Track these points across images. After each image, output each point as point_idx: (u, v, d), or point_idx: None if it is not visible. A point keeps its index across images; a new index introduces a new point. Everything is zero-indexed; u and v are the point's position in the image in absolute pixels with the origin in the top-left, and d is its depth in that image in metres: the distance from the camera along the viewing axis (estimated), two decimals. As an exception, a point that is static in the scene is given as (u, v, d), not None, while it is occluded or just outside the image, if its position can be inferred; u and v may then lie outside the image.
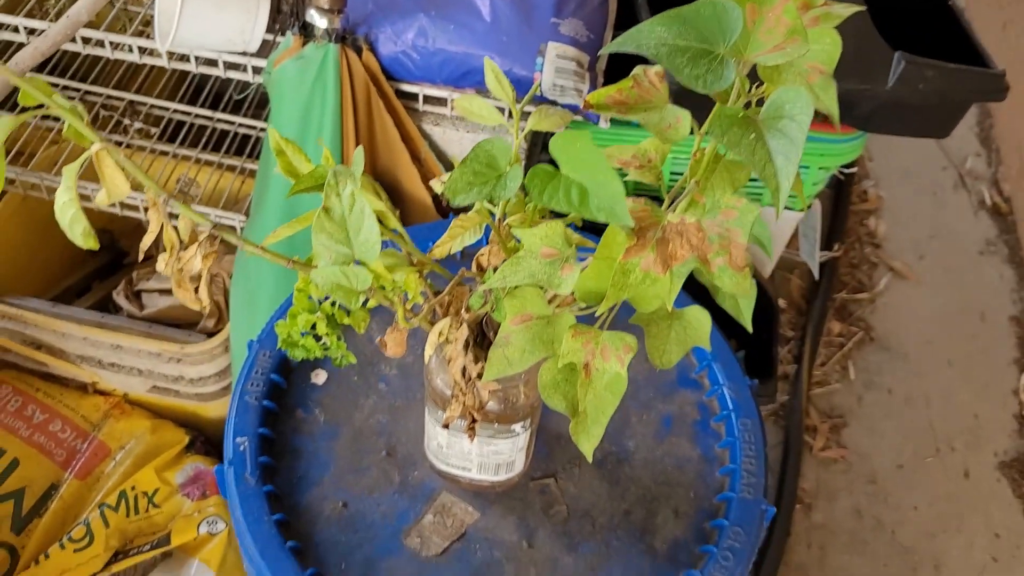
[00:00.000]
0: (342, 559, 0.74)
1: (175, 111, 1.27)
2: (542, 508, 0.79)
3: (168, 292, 1.18)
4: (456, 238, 0.58)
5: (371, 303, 0.63)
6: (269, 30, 0.98)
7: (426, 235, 0.93)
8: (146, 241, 0.58)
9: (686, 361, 0.90)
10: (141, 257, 0.59)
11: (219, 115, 1.25)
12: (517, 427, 0.69)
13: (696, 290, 0.67)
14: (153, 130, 1.27)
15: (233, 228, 1.15)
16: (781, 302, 1.76)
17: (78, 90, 1.26)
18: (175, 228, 0.57)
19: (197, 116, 1.26)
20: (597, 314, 0.55)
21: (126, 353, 1.11)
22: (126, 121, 1.26)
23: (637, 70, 0.56)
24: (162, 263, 0.56)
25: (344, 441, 0.81)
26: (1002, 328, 1.79)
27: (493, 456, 0.72)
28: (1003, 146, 2.11)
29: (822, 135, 0.97)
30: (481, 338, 0.63)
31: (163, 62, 1.02)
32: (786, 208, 1.10)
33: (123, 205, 1.15)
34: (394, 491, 0.79)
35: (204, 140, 1.23)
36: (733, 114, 0.45)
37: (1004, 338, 1.78)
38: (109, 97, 1.28)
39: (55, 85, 1.26)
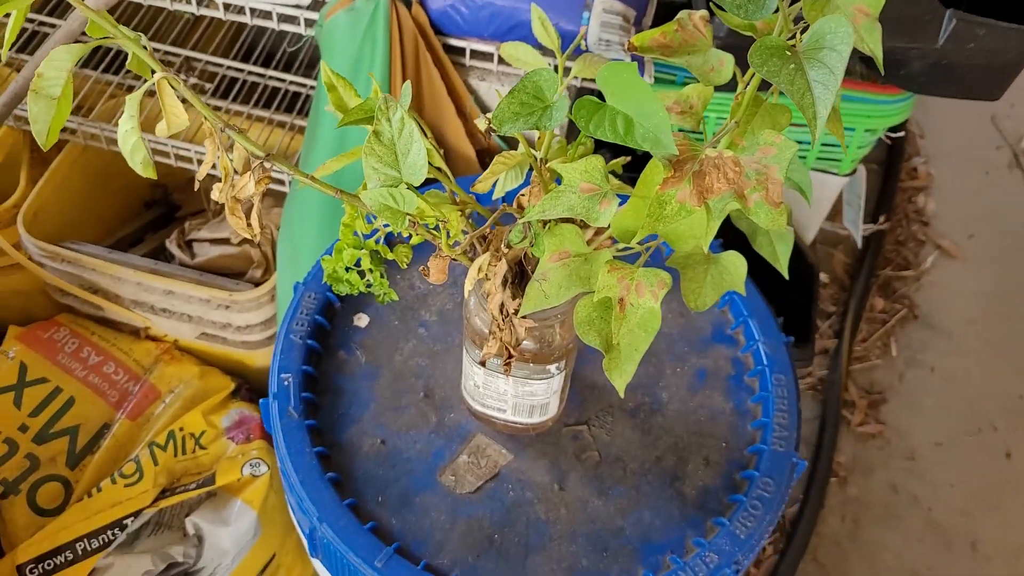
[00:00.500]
0: (379, 492, 0.77)
1: (229, 68, 1.30)
2: (574, 453, 0.81)
3: (219, 242, 1.22)
4: (498, 174, 0.60)
5: (415, 239, 0.65)
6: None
7: (469, 187, 0.95)
8: (202, 170, 0.60)
9: (722, 317, 0.91)
10: (197, 186, 0.62)
11: (271, 72, 1.28)
12: (552, 368, 0.71)
13: (735, 244, 0.68)
14: (207, 86, 1.30)
15: (281, 181, 1.18)
16: (824, 276, 1.75)
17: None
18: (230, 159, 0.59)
19: (250, 73, 1.29)
20: (631, 245, 0.56)
21: (177, 299, 1.15)
22: (182, 76, 1.29)
23: (682, 14, 0.57)
24: (216, 191, 0.59)
25: (384, 382, 0.84)
26: (1050, 310, 1.77)
27: (528, 397, 0.74)
28: (1060, 127, 2.06)
29: (869, 95, 0.97)
30: (520, 275, 0.65)
31: (219, 13, 1.04)
32: (830, 172, 1.10)
33: (178, 157, 1.18)
34: (431, 431, 0.81)
35: (256, 97, 1.26)
36: (774, 44, 0.45)
37: (1052, 320, 1.75)
38: (167, 53, 1.31)
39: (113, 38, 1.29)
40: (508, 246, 0.60)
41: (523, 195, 0.65)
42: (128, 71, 1.29)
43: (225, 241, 1.21)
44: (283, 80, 1.28)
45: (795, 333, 1.32)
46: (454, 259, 0.62)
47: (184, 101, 0.59)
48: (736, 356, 0.88)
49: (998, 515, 1.48)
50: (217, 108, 1.26)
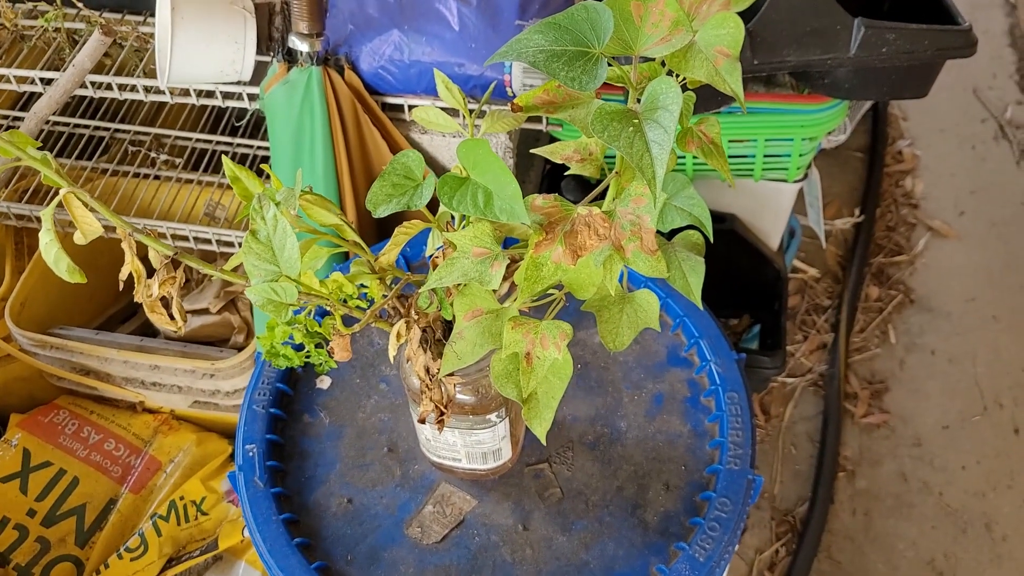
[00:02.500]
0: (348, 551, 0.79)
1: (197, 140, 1.34)
2: (537, 492, 0.83)
3: (199, 312, 1.26)
4: (401, 245, 0.62)
5: (340, 312, 0.68)
6: (264, 56, 1.03)
7: (421, 239, 0.97)
8: (123, 272, 0.63)
9: (675, 340, 0.92)
10: (122, 287, 0.65)
11: (238, 140, 1.32)
12: (492, 416, 0.73)
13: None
14: (178, 160, 1.34)
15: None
16: (815, 271, 1.75)
17: (108, 129, 1.35)
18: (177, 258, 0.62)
19: (218, 143, 1.33)
20: (518, 307, 0.58)
21: (164, 372, 1.18)
22: (153, 154, 1.34)
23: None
24: (136, 293, 0.62)
25: (348, 440, 0.86)
26: (1050, 279, 1.75)
27: (477, 446, 0.76)
28: (1045, 91, 2.05)
29: (800, 106, 0.98)
30: (444, 335, 0.67)
31: (167, 98, 1.08)
32: (780, 181, 1.11)
33: (172, 237, 1.21)
34: (396, 484, 0.83)
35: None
36: (613, 109, 0.47)
37: (1052, 289, 1.73)
38: (137, 133, 1.36)
39: (86, 126, 1.35)
40: (418, 310, 0.62)
41: (437, 257, 0.67)
42: (102, 155, 1.34)
43: (205, 311, 1.25)
44: (251, 146, 1.32)
45: (770, 340, 1.33)
46: (380, 328, 0.65)
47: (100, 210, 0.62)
48: (691, 377, 0.89)
49: (1011, 493, 1.47)
50: (190, 180, 1.30)
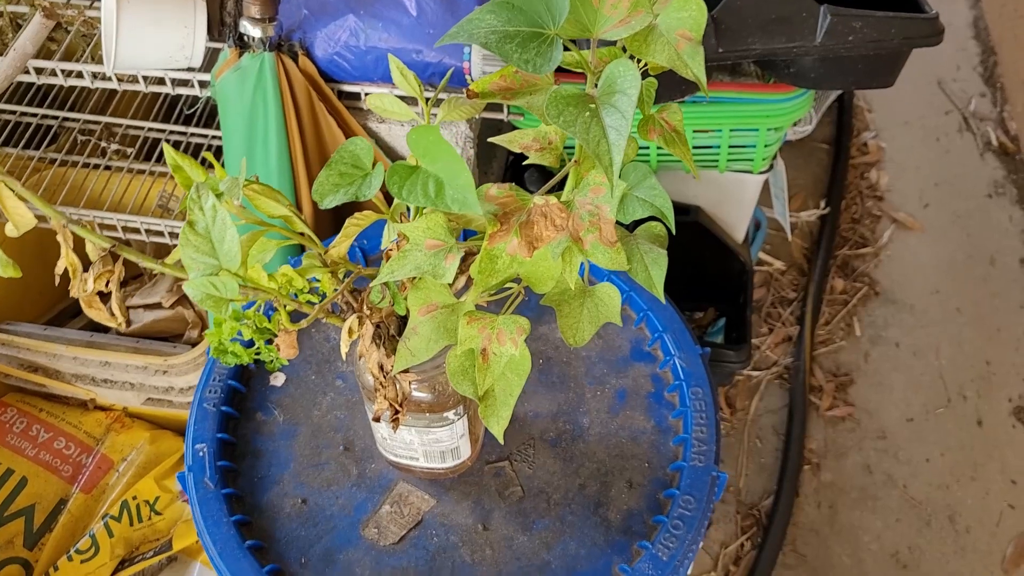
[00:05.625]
0: (302, 554, 0.76)
1: (149, 129, 1.30)
2: (497, 490, 0.80)
3: (152, 307, 1.22)
4: (352, 237, 0.60)
5: (290, 307, 0.65)
6: (215, 42, 1.00)
7: (377, 231, 0.95)
8: (59, 266, 0.60)
9: (639, 334, 0.91)
10: (58, 281, 0.62)
11: (192, 130, 1.28)
12: (450, 414, 0.70)
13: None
14: (129, 150, 1.30)
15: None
16: (780, 263, 1.74)
17: (56, 117, 1.30)
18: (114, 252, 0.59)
19: (171, 133, 1.29)
20: (474, 301, 0.56)
21: (115, 369, 1.15)
22: (103, 143, 1.30)
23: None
24: (73, 287, 0.59)
25: (303, 439, 0.83)
26: (1013, 271, 1.76)
27: (434, 444, 0.74)
28: (1008, 83, 2.06)
29: (765, 96, 0.96)
30: (399, 330, 0.65)
31: (114, 84, 1.04)
32: (745, 172, 1.10)
33: (125, 228, 1.18)
34: (352, 484, 0.81)
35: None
36: (569, 93, 0.45)
37: (1015, 281, 1.74)
38: (87, 122, 1.31)
39: (33, 114, 1.30)
40: (370, 306, 0.60)
41: (391, 250, 0.64)
42: (50, 145, 1.30)
43: (158, 306, 1.21)
44: (205, 135, 1.29)
45: (735, 334, 1.32)
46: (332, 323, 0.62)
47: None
48: (655, 372, 0.88)
49: (975, 485, 1.47)
50: (142, 171, 1.26)
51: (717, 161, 1.06)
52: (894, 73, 0.89)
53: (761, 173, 1.09)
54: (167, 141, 1.27)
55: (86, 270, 0.57)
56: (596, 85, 0.48)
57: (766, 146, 1.02)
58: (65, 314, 1.33)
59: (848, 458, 1.51)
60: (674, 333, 0.87)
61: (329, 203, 0.50)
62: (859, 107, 2.05)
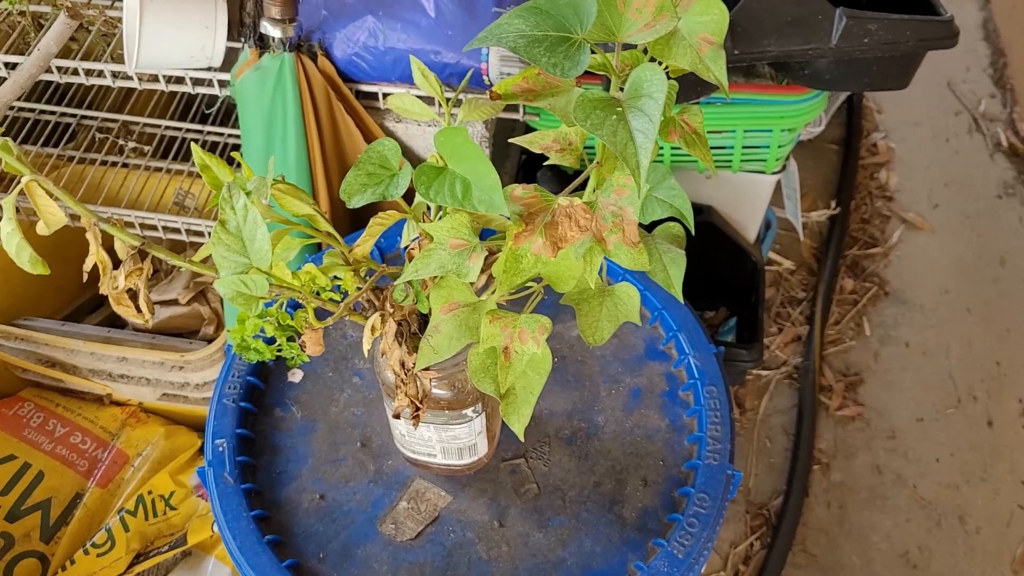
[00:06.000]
0: (320, 549, 0.77)
1: (166, 128, 1.31)
2: (513, 487, 0.81)
3: (168, 303, 1.23)
4: (376, 236, 0.60)
5: (312, 305, 0.66)
6: (235, 42, 1.00)
7: (395, 230, 0.96)
8: (88, 263, 0.61)
9: (654, 333, 0.91)
10: (86, 278, 0.63)
11: (208, 128, 1.29)
12: (469, 411, 0.71)
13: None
14: (147, 148, 1.31)
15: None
16: (790, 263, 1.75)
17: (75, 115, 1.31)
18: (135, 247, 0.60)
19: (188, 131, 1.30)
20: (496, 300, 0.57)
21: (132, 364, 1.16)
22: (121, 141, 1.31)
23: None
24: (101, 285, 0.60)
25: (321, 435, 0.84)
26: (1022, 272, 1.76)
27: (453, 442, 0.74)
28: (1018, 84, 2.06)
29: (780, 97, 0.97)
30: (420, 328, 0.66)
31: (135, 84, 1.05)
32: (758, 172, 1.10)
33: (142, 226, 1.18)
34: (369, 480, 0.82)
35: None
36: (596, 97, 0.46)
37: (1025, 282, 1.74)
38: (104, 120, 1.32)
39: (52, 112, 1.31)
40: (393, 303, 0.61)
41: (413, 248, 0.65)
42: (69, 143, 1.31)
43: (174, 302, 1.22)
44: (221, 134, 1.29)
45: (747, 333, 1.33)
46: (356, 321, 0.63)
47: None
48: (670, 371, 0.88)
49: (984, 485, 1.48)
50: (159, 169, 1.27)
51: (731, 161, 1.07)
52: (908, 75, 0.90)
53: (774, 173, 1.10)
54: (184, 139, 1.28)
55: (117, 267, 0.58)
56: (621, 88, 0.49)
57: (780, 147, 1.03)
58: (83, 310, 1.34)
59: (858, 458, 1.52)
60: (688, 332, 0.88)
61: (357, 202, 0.51)
62: (869, 108, 2.05)
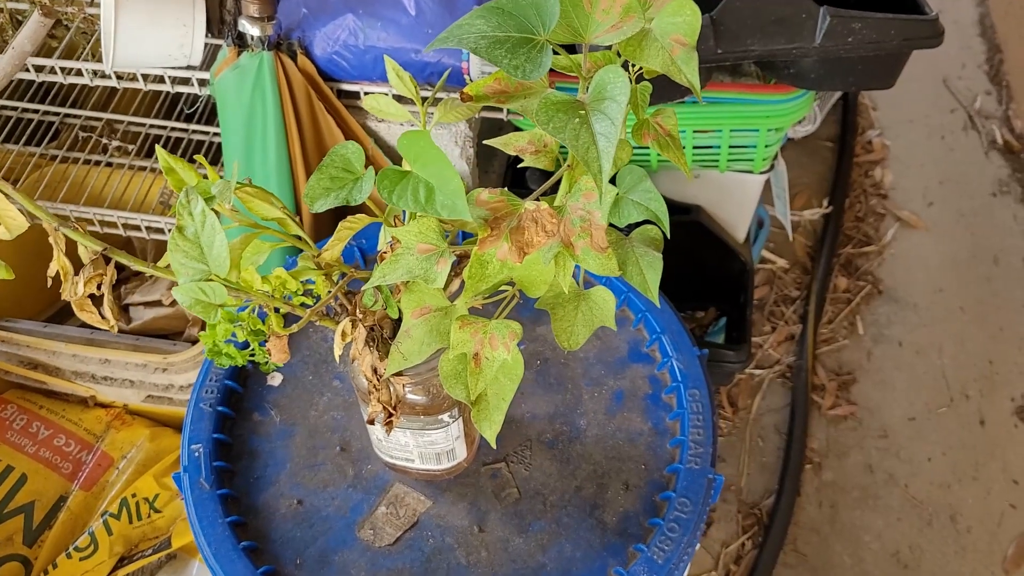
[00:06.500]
0: (297, 555, 0.76)
1: (151, 126, 1.30)
2: (493, 492, 0.80)
3: (152, 304, 1.22)
4: (345, 240, 0.59)
5: (284, 310, 0.65)
6: (215, 39, 0.99)
7: (377, 232, 0.95)
8: (51, 268, 0.60)
9: (637, 335, 0.90)
10: (50, 284, 0.62)
11: (194, 127, 1.28)
12: (445, 417, 0.70)
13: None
14: (131, 147, 1.30)
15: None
16: (784, 262, 1.74)
17: (57, 114, 1.30)
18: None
19: (173, 129, 1.29)
20: (466, 305, 0.56)
21: (115, 367, 1.15)
22: (105, 140, 1.30)
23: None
24: (64, 290, 0.59)
25: (299, 439, 0.83)
26: (1017, 270, 1.75)
27: (430, 447, 0.74)
28: (1014, 81, 2.04)
29: (766, 96, 0.96)
30: (393, 333, 0.65)
31: (114, 82, 1.04)
32: (746, 172, 1.09)
33: (126, 226, 1.17)
34: (348, 485, 0.81)
35: (181, 152, 1.26)
36: (558, 100, 0.45)
37: (1018, 280, 1.73)
38: (88, 118, 1.31)
39: (35, 111, 1.30)
40: (363, 308, 0.60)
41: (384, 253, 0.64)
42: (51, 142, 1.30)
43: (157, 303, 1.21)
44: (207, 133, 1.28)
45: (736, 333, 1.32)
46: (326, 326, 0.62)
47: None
48: (653, 374, 0.87)
49: (976, 485, 1.47)
50: (143, 168, 1.26)
51: (718, 161, 1.06)
52: (894, 74, 0.89)
53: (762, 173, 1.09)
54: (169, 138, 1.27)
55: (78, 273, 0.56)
56: (587, 90, 0.48)
57: (767, 146, 1.01)
58: (65, 311, 1.33)
59: (850, 457, 1.51)
60: (672, 334, 0.87)
61: (320, 207, 0.50)
62: (864, 105, 2.04)
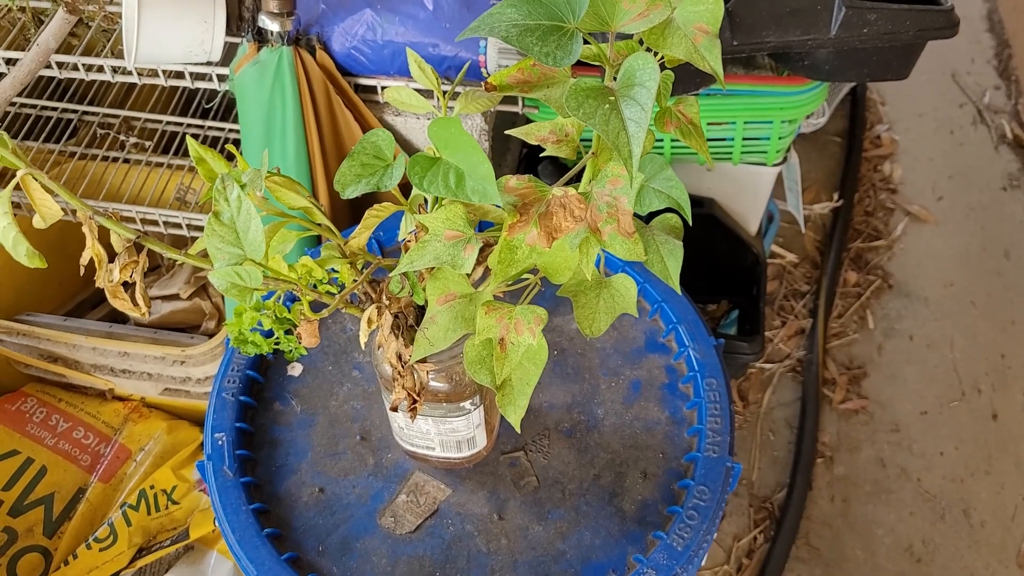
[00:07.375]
0: (319, 542, 0.77)
1: (168, 123, 1.32)
2: (512, 480, 0.81)
3: (170, 298, 1.23)
4: (371, 228, 0.60)
5: (309, 297, 0.66)
6: (234, 36, 1.00)
7: (394, 223, 0.96)
8: (84, 257, 0.61)
9: (653, 326, 0.91)
10: (83, 272, 0.63)
11: (210, 123, 1.29)
12: (467, 404, 0.71)
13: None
14: (148, 144, 1.31)
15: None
16: (793, 256, 1.74)
17: (76, 111, 1.31)
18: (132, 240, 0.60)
19: (189, 126, 1.30)
20: (492, 291, 0.56)
21: (134, 360, 1.16)
22: (122, 137, 1.31)
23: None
24: (97, 279, 0.60)
25: (320, 428, 0.84)
26: (1027, 264, 1.75)
27: (451, 434, 0.74)
28: (1023, 76, 2.05)
29: (780, 88, 0.97)
30: (417, 320, 0.65)
31: (135, 79, 1.05)
32: (759, 164, 1.10)
33: (143, 221, 1.18)
34: (368, 473, 0.82)
35: (196, 148, 1.27)
36: (588, 86, 0.46)
37: (1029, 274, 1.73)
38: (106, 116, 1.33)
39: (53, 108, 1.31)
40: (390, 295, 0.61)
41: (409, 240, 0.65)
42: (70, 139, 1.31)
43: (175, 297, 1.22)
44: (222, 129, 1.30)
45: (748, 326, 1.33)
46: (352, 313, 0.63)
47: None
48: (669, 364, 0.88)
49: (989, 479, 1.47)
50: (160, 164, 1.27)
51: (731, 153, 1.06)
52: (908, 65, 0.89)
53: (775, 165, 1.09)
54: (185, 135, 1.28)
55: (110, 261, 0.57)
56: (615, 78, 0.48)
57: (780, 138, 1.02)
58: (84, 305, 1.35)
59: (861, 451, 1.51)
60: (688, 324, 0.88)
61: (351, 193, 0.51)
62: (872, 100, 2.04)
